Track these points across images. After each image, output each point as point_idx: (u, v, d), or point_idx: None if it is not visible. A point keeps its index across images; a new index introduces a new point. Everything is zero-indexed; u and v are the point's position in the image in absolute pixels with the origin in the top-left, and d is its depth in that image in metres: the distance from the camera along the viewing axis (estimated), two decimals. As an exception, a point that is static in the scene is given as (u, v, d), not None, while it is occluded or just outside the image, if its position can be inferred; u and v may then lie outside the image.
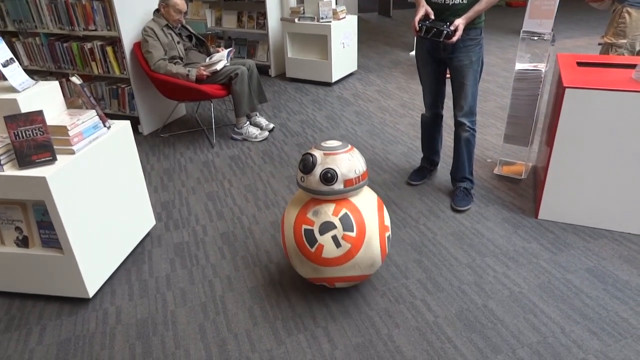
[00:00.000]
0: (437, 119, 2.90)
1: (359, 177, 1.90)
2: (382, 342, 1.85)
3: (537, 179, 2.86)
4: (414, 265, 2.27)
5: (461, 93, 2.58)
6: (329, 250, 1.88)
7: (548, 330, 1.86)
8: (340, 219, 1.88)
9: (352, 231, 1.87)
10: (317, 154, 1.90)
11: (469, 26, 2.38)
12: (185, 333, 1.95)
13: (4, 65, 1.96)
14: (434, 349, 1.81)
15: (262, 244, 2.49)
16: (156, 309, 2.08)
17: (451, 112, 2.73)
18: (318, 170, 1.86)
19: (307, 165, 1.88)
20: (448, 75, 2.67)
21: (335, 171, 1.84)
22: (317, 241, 1.89)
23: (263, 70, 5.42)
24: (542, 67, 2.73)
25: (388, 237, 2.00)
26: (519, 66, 2.78)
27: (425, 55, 2.64)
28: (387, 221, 2.02)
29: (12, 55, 2.02)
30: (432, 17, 2.37)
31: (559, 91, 2.40)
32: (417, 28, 2.36)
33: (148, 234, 2.60)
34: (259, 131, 3.79)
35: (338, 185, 1.86)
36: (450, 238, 2.46)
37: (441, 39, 2.34)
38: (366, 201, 1.97)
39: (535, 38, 2.68)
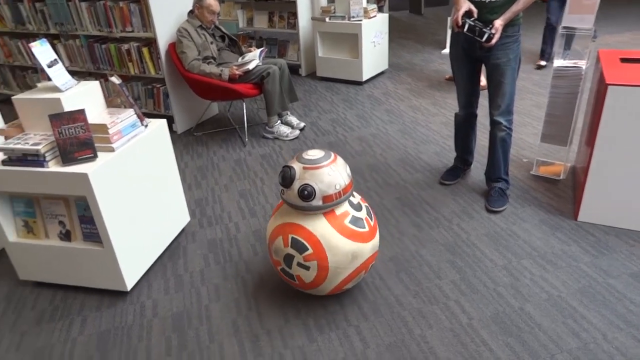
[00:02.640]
0: (471, 119, 2.84)
1: (339, 192, 1.81)
2: (415, 342, 1.83)
3: (576, 179, 2.77)
4: (447, 266, 2.24)
5: (498, 91, 2.52)
6: (306, 275, 1.87)
7: (589, 336, 1.80)
8: (291, 246, 1.84)
9: (308, 249, 1.82)
10: (296, 167, 1.82)
11: (507, 23, 2.33)
12: (219, 328, 1.98)
13: (49, 66, 2.04)
14: (468, 352, 1.77)
15: (294, 241, 2.50)
16: (191, 303, 2.12)
17: (485, 110, 2.67)
18: (296, 185, 1.79)
19: (285, 178, 1.82)
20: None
21: (313, 188, 1.76)
22: (293, 274, 1.89)
23: (294, 69, 5.45)
24: (582, 64, 2.64)
25: (351, 220, 1.88)
26: (557, 63, 2.70)
27: (461, 53, 2.59)
28: (341, 209, 1.89)
29: (56, 56, 2.10)
30: (475, 15, 2.32)
31: (601, 88, 2.31)
32: (460, 23, 2.32)
33: (183, 230, 2.66)
34: (290, 130, 3.81)
35: (316, 202, 1.78)
36: (484, 239, 2.41)
37: (482, 40, 2.30)
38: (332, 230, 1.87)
39: (576, 34, 2.59)
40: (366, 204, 2.02)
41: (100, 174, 1.96)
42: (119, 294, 2.20)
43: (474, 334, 1.85)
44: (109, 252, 2.06)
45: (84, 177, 1.90)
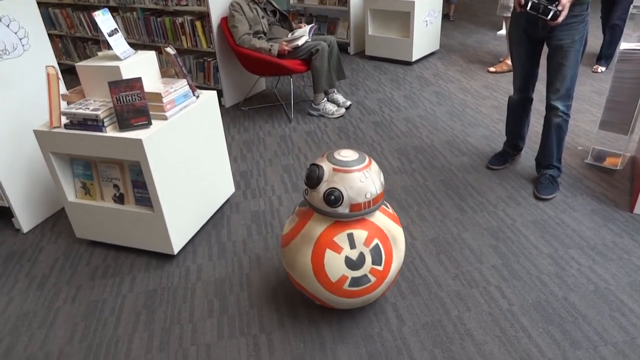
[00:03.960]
0: (526, 103, 2.73)
1: (369, 201, 1.62)
2: (452, 323, 1.83)
3: (635, 171, 2.63)
4: (489, 251, 2.19)
5: (558, 75, 2.40)
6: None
7: (637, 330, 1.73)
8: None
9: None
10: (325, 167, 1.63)
11: (574, 2, 2.20)
12: (259, 295, 2.04)
13: (110, 35, 2.13)
14: (506, 336, 1.75)
15: (335, 217, 2.53)
16: (233, 270, 2.20)
17: (540, 95, 2.56)
18: (323, 187, 1.61)
19: (311, 178, 1.64)
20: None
21: (341, 193, 1.58)
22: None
23: (342, 47, 5.40)
24: (652, 47, 2.47)
25: (350, 283, 1.69)
26: (624, 46, 2.54)
27: (521, 34, 2.48)
28: (336, 272, 1.68)
29: (116, 26, 2.19)
30: None
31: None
32: (523, 2, 2.21)
33: (227, 201, 2.74)
34: (336, 108, 3.80)
35: (342, 209, 1.61)
36: (530, 226, 2.34)
37: (547, 18, 2.18)
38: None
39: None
40: (374, 243, 1.68)
41: (154, 141, 2.04)
42: (166, 257, 2.31)
43: (513, 320, 1.82)
44: (159, 216, 2.16)
45: (138, 142, 1.99)
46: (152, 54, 2.26)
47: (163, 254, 2.31)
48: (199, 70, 4.19)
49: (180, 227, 2.28)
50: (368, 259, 1.65)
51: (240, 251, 2.32)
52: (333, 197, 1.58)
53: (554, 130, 2.52)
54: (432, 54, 5.18)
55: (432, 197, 2.65)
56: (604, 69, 4.37)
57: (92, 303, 2.06)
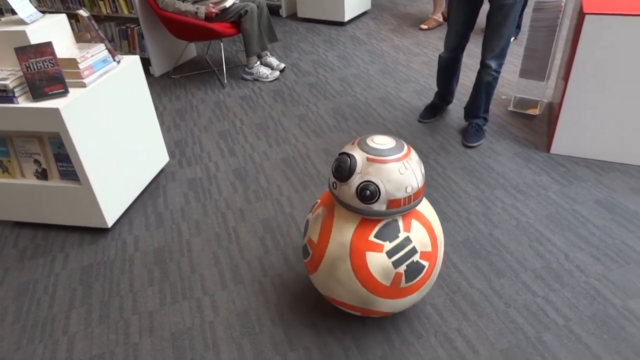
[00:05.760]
0: (455, 63, 2.80)
1: (409, 196, 1.38)
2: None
3: (552, 114, 2.81)
4: (422, 198, 2.30)
5: (496, 33, 2.43)
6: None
7: (552, 256, 1.89)
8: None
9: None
10: (358, 157, 1.38)
11: None
12: (200, 259, 2.04)
13: (11, -3, 1.95)
14: (440, 276, 1.86)
15: (273, 178, 2.53)
16: (172, 238, 2.17)
17: (468, 50, 2.64)
18: (356, 180, 1.36)
19: (342, 170, 1.38)
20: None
21: (377, 187, 1.34)
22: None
23: (274, 10, 5.28)
24: (562, -5, 2.60)
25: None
26: (538, -5, 2.66)
27: None
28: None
29: (18, -13, 2.01)
30: None
31: (579, 20, 2.30)
32: None
33: (162, 170, 2.66)
34: (270, 71, 3.75)
35: (379, 206, 1.37)
36: (460, 172, 2.46)
37: None
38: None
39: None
40: (413, 224, 1.47)
41: (73, 110, 1.93)
42: (100, 231, 2.23)
43: (445, 258, 1.93)
44: (87, 189, 2.07)
45: (55, 112, 1.87)
46: (63, 17, 2.11)
47: (97, 229, 2.23)
48: (122, 38, 3.96)
49: (112, 199, 2.20)
50: (414, 243, 1.44)
51: (179, 219, 2.29)
52: (369, 193, 1.34)
53: (484, 86, 2.61)
54: (364, 13, 5.18)
55: (367, 152, 2.71)
56: (513, 39, 4.19)
57: (23, 284, 1.97)
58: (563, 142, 2.49)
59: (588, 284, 1.77)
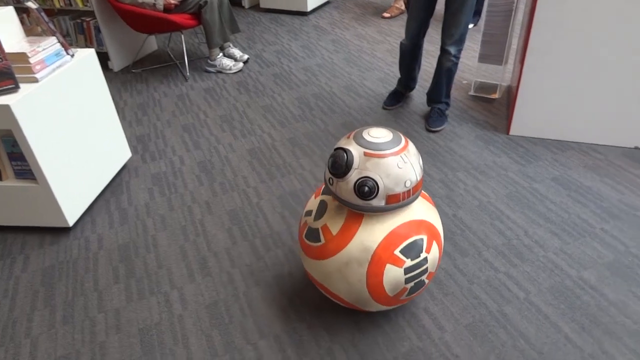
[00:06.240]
0: (416, 49, 2.84)
1: (408, 190, 1.35)
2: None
3: (510, 97, 2.89)
4: (388, 183, 2.33)
5: (454, 20, 2.48)
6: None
7: (512, 233, 1.96)
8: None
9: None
10: (355, 151, 1.35)
11: None
12: (167, 254, 2.01)
13: (-49, -11, 1.86)
14: (405, 256, 1.90)
15: (239, 170, 2.52)
16: (137, 234, 2.13)
17: (429, 37, 2.68)
18: (353, 176, 1.33)
19: (338, 166, 1.35)
20: None
21: (375, 182, 1.31)
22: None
23: (236, 1, 5.21)
24: (516, -20, 2.67)
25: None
26: (493, -20, 2.72)
27: None
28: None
29: (-42, -21, 1.91)
30: None
31: (533, 3, 2.36)
32: None
33: (125, 166, 2.60)
34: (233, 62, 3.70)
35: (377, 202, 1.34)
36: (424, 157, 2.51)
37: None
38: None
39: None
40: (433, 246, 1.47)
41: (25, 106, 1.86)
42: (61, 231, 2.17)
43: (410, 241, 1.97)
44: (45, 188, 2.01)
45: (6, 109, 1.80)
46: (9, 9, 2.02)
47: (57, 228, 2.17)
48: (78, 32, 3.83)
49: (72, 198, 2.14)
50: (428, 265, 1.46)
51: (144, 214, 2.25)
52: (367, 189, 1.31)
53: (445, 72, 2.66)
54: (327, 3, 5.17)
55: (333, 140, 2.72)
56: (472, 25, 4.24)
57: (-19, 289, 1.90)
58: (521, 123, 2.57)
59: (546, 257, 1.84)
